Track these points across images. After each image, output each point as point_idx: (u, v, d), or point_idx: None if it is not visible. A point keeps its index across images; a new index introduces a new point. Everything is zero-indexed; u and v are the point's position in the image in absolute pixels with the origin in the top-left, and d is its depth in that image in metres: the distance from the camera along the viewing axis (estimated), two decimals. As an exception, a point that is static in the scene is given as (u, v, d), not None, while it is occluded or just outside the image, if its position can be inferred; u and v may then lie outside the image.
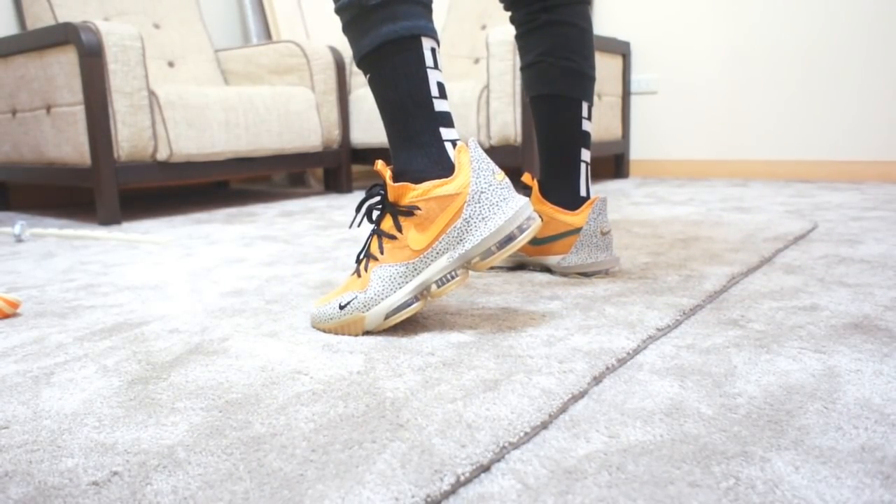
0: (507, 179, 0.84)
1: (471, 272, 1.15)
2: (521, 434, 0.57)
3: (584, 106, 1.13)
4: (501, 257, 0.82)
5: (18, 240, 1.70)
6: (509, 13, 1.18)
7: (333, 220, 1.90)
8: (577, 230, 1.10)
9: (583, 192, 1.14)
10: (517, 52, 2.09)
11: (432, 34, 0.86)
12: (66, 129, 1.98)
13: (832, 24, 2.53)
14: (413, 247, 0.82)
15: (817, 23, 2.55)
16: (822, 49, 2.56)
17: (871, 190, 2.23)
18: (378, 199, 0.86)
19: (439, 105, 0.85)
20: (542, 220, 1.13)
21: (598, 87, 2.72)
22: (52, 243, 1.66)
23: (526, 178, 1.14)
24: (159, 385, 0.71)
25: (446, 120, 0.86)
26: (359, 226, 0.90)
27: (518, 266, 1.18)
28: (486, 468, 0.53)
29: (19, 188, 2.51)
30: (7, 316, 0.99)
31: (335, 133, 2.59)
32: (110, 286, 1.17)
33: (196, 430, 0.60)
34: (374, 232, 0.86)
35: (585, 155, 1.15)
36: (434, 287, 0.83)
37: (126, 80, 1.93)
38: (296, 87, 2.47)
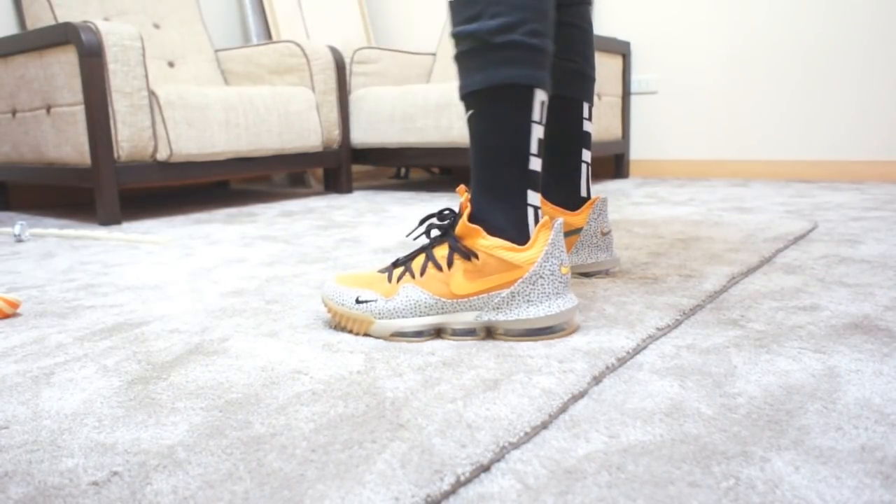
0: (569, 275, 0.84)
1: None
2: (521, 434, 0.57)
3: (585, 107, 1.13)
4: (523, 339, 0.81)
5: (18, 240, 1.70)
6: None
7: (333, 220, 1.90)
8: (578, 230, 1.10)
9: (583, 193, 1.14)
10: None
11: (547, 86, 0.83)
12: (66, 129, 1.98)
13: (832, 25, 2.53)
14: (453, 289, 0.81)
15: (817, 23, 2.55)
16: (822, 49, 2.56)
17: (872, 190, 2.23)
18: (443, 222, 0.85)
19: (533, 164, 0.83)
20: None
21: (598, 87, 2.72)
22: (52, 243, 1.66)
23: None
24: (159, 385, 0.71)
25: (535, 182, 0.84)
26: (415, 238, 0.91)
27: None
28: (486, 468, 0.53)
29: (19, 188, 2.51)
30: (7, 316, 0.99)
31: (335, 133, 2.59)
32: (110, 286, 1.17)
33: (196, 430, 0.60)
34: (424, 251, 0.84)
35: (586, 155, 1.15)
36: (450, 332, 0.83)
37: (126, 80, 1.93)
38: (296, 87, 2.47)
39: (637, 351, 0.77)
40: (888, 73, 2.45)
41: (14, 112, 2.17)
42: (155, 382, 0.71)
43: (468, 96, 0.84)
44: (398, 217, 1.91)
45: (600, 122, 2.76)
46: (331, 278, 0.89)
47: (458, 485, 0.51)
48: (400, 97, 2.55)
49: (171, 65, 2.60)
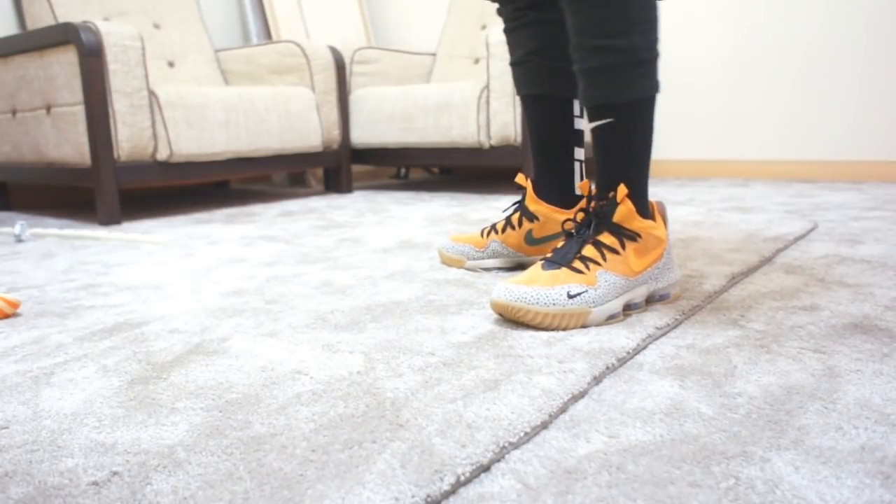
0: None
1: (479, 272, 1.16)
2: (521, 434, 0.57)
3: (576, 104, 1.13)
4: (659, 303, 0.94)
5: (18, 240, 1.70)
6: (496, 5, 1.18)
7: (333, 220, 1.90)
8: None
9: (577, 191, 1.14)
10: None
11: None
12: (66, 129, 1.98)
13: (832, 24, 2.53)
14: (633, 267, 0.90)
15: (817, 23, 2.55)
16: (821, 49, 2.56)
17: (872, 190, 2.23)
18: (587, 216, 0.93)
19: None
20: (539, 220, 1.13)
21: (598, 87, 2.71)
22: (52, 243, 1.66)
23: (520, 178, 1.14)
24: (159, 385, 0.71)
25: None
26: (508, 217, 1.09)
27: (517, 266, 1.18)
28: (486, 468, 0.53)
29: (19, 188, 2.51)
30: (7, 316, 0.99)
31: (335, 133, 2.59)
32: (110, 286, 1.17)
33: (196, 430, 0.60)
34: (591, 241, 0.91)
35: (579, 153, 1.15)
36: (631, 307, 0.91)
37: (126, 80, 1.93)
38: (296, 87, 2.47)
39: (637, 351, 0.77)
40: (888, 73, 2.45)
41: (14, 112, 2.17)
42: (155, 382, 0.71)
43: (615, 109, 0.91)
44: (398, 217, 1.91)
45: (600, 122, 2.75)
46: (501, 288, 0.87)
47: (458, 485, 0.51)
48: (400, 97, 2.55)
49: (171, 65, 2.60)
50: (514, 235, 1.15)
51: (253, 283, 1.15)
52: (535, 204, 1.13)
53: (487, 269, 1.17)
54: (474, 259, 1.17)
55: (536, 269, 0.89)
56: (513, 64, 1.16)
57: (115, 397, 0.68)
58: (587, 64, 0.91)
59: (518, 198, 2.35)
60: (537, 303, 0.84)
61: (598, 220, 0.92)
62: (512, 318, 0.86)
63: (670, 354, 0.76)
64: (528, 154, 2.33)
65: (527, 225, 1.14)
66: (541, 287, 0.85)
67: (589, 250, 0.90)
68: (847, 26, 2.50)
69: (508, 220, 1.16)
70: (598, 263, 0.88)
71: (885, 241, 1.36)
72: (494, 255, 1.16)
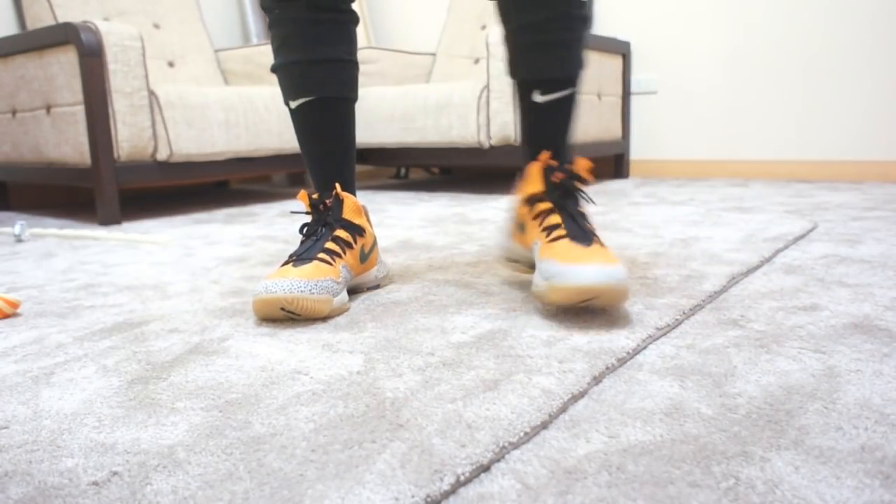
0: None
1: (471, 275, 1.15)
2: (521, 434, 0.57)
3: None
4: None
5: (18, 240, 1.70)
6: (496, 5, 1.10)
7: (333, 220, 1.90)
8: None
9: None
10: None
11: None
12: (66, 129, 1.98)
13: (832, 24, 2.53)
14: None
15: (817, 23, 2.55)
16: (822, 49, 2.56)
17: (872, 190, 2.23)
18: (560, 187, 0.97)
19: None
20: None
21: (598, 87, 2.72)
22: (52, 243, 1.66)
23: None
24: (159, 385, 0.71)
25: None
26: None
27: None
28: (486, 468, 0.53)
29: (19, 188, 2.51)
30: (7, 316, 0.99)
31: (335, 133, 2.59)
32: (110, 286, 1.17)
33: (196, 430, 0.60)
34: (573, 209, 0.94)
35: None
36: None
37: (126, 80, 1.93)
38: (296, 87, 2.47)
39: (637, 351, 0.77)
40: (888, 73, 2.45)
41: (14, 112, 2.17)
42: (155, 382, 0.71)
43: (570, 78, 0.99)
44: (398, 217, 1.91)
45: (600, 122, 2.76)
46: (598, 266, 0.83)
47: (458, 485, 0.51)
48: (400, 97, 2.55)
49: (171, 65, 2.60)
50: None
51: (253, 283, 1.15)
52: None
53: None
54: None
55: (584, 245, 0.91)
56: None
57: (115, 397, 0.68)
58: (552, 35, 0.94)
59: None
60: (620, 280, 0.83)
61: (568, 192, 0.95)
62: None
63: (670, 354, 0.76)
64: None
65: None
66: (605, 263, 0.86)
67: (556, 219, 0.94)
68: (847, 26, 2.50)
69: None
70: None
71: (885, 241, 1.36)
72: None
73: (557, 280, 0.83)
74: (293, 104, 1.07)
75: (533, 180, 0.98)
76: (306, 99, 1.05)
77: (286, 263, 0.96)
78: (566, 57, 0.95)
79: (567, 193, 0.95)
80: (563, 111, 0.97)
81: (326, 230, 1.00)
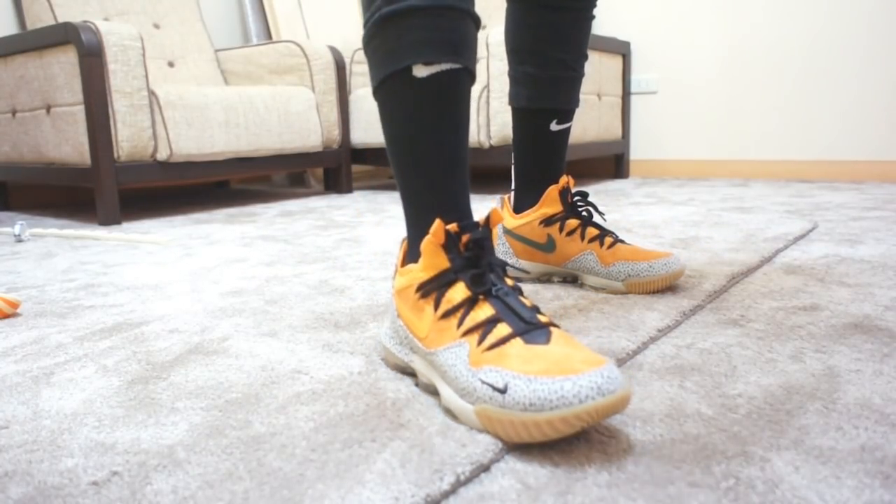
0: None
1: None
2: (521, 434, 0.57)
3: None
4: None
5: (18, 240, 1.70)
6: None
7: (333, 220, 1.90)
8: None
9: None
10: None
11: None
12: (66, 129, 1.98)
13: (832, 24, 2.53)
14: None
15: (817, 23, 2.55)
16: (821, 49, 2.56)
17: (872, 190, 2.23)
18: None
19: None
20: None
21: (598, 87, 2.72)
22: (52, 243, 1.66)
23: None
24: (159, 385, 0.71)
25: None
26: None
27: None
28: (486, 468, 0.53)
29: (19, 188, 2.51)
30: (7, 316, 0.99)
31: (335, 133, 2.59)
32: (110, 286, 1.17)
33: (196, 430, 0.60)
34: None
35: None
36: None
37: (126, 80, 1.93)
38: (296, 87, 2.47)
39: (637, 351, 0.77)
40: (887, 72, 2.45)
41: (14, 112, 2.17)
42: (155, 382, 0.71)
43: (572, 111, 1.11)
44: (398, 217, 1.91)
45: (600, 122, 2.76)
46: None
47: (458, 484, 0.51)
48: (400, 97, 2.54)
49: (171, 65, 2.60)
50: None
51: (253, 283, 1.15)
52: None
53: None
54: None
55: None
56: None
57: (115, 397, 0.68)
58: (577, 72, 1.06)
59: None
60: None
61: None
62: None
63: (670, 354, 0.76)
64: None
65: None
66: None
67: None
68: (847, 26, 2.50)
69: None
70: None
71: (885, 241, 1.36)
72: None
73: None
74: (425, 70, 0.68)
75: (551, 202, 1.07)
76: (452, 66, 0.69)
77: (504, 341, 0.59)
78: (579, 91, 1.09)
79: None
80: (567, 138, 1.09)
81: (499, 281, 0.66)
